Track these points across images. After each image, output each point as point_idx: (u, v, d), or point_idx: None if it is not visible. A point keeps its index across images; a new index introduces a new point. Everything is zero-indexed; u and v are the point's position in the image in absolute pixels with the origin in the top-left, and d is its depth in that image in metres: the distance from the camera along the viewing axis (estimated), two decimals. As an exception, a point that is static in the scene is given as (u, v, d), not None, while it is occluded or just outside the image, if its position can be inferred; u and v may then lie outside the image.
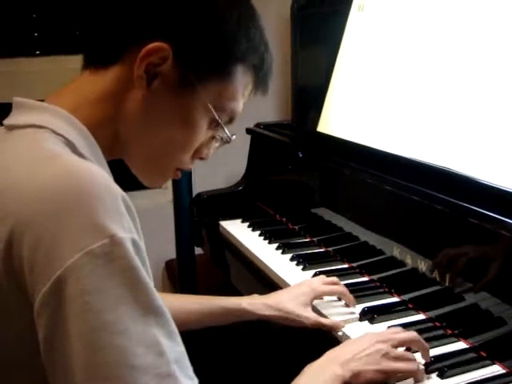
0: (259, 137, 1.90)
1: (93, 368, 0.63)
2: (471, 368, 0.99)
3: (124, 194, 0.69)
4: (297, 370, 0.92)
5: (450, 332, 1.09)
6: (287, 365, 1.48)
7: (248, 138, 1.93)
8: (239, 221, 1.77)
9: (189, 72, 0.80)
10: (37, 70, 2.28)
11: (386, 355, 0.93)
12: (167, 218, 1.98)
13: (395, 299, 1.24)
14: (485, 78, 1.15)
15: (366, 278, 1.34)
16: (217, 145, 0.90)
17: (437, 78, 1.26)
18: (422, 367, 0.97)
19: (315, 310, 1.20)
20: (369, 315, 1.16)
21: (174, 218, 1.93)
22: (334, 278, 1.26)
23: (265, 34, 0.89)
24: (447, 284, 1.12)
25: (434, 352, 1.02)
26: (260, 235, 1.64)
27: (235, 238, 1.66)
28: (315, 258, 1.46)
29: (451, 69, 1.23)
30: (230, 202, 1.85)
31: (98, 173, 0.69)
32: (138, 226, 0.72)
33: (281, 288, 1.32)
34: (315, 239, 1.57)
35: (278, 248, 1.53)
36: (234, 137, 0.90)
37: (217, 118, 0.84)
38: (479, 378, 0.97)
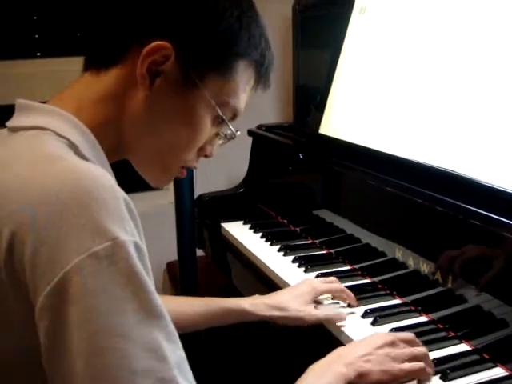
0: (261, 139, 1.89)
1: (94, 371, 0.63)
2: (474, 370, 0.99)
3: (127, 196, 0.69)
4: (298, 371, 0.92)
5: (452, 334, 1.09)
6: (288, 366, 1.48)
7: (250, 139, 1.93)
8: (241, 223, 1.77)
9: (191, 69, 0.80)
10: (38, 72, 2.28)
11: (393, 357, 0.93)
12: (169, 220, 1.98)
13: (397, 301, 1.24)
14: (487, 79, 1.14)
15: (368, 280, 1.34)
16: (220, 142, 0.91)
17: (439, 80, 1.26)
18: (430, 370, 0.96)
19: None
20: (371, 317, 1.15)
21: (175, 219, 1.93)
22: (333, 278, 1.26)
23: (266, 31, 0.89)
24: (449, 286, 1.12)
25: (436, 354, 1.02)
26: (262, 237, 1.64)
27: (237, 240, 1.66)
28: (317, 259, 1.46)
29: (453, 71, 1.23)
30: (232, 204, 1.85)
31: (101, 175, 0.69)
32: (141, 229, 0.71)
33: (282, 290, 1.32)
34: (317, 241, 1.57)
35: (279, 250, 1.53)
36: (238, 132, 0.90)
37: (220, 114, 0.84)
38: (482, 381, 0.96)
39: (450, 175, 1.15)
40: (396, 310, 1.19)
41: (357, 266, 1.40)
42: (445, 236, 1.14)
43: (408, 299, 1.22)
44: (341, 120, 1.54)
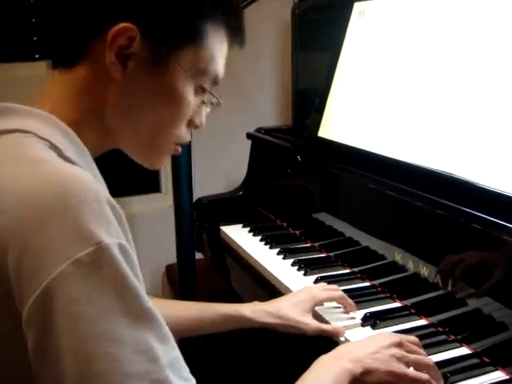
0: (260, 142, 1.89)
1: (87, 378, 0.62)
2: (474, 374, 0.99)
3: (111, 198, 0.68)
4: (297, 375, 0.91)
5: (452, 337, 1.09)
6: (287, 369, 1.48)
7: (248, 142, 1.93)
8: (240, 226, 1.77)
9: (160, 45, 0.78)
10: (36, 75, 2.28)
11: (398, 359, 0.92)
12: (168, 223, 1.98)
13: (397, 304, 1.24)
14: (487, 82, 1.14)
15: (367, 284, 1.34)
16: (208, 110, 0.89)
17: (438, 83, 1.26)
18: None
19: (317, 315, 1.19)
20: (371, 321, 1.15)
21: (174, 222, 1.93)
22: (333, 286, 1.26)
23: None
24: (449, 289, 1.12)
25: (436, 358, 1.02)
26: (261, 240, 1.63)
27: (236, 243, 1.65)
28: (316, 263, 1.46)
29: (452, 74, 1.23)
30: (231, 207, 1.85)
31: (84, 177, 0.68)
32: (127, 230, 0.71)
33: (282, 294, 1.32)
34: (316, 244, 1.57)
35: (279, 253, 1.53)
36: (222, 98, 0.88)
37: (200, 83, 0.83)
38: (482, 384, 0.96)
39: (449, 178, 1.14)
40: (396, 314, 1.19)
41: (356, 269, 1.40)
42: (444, 239, 1.14)
43: (408, 302, 1.22)
44: (340, 123, 1.54)
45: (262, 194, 1.87)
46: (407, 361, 0.93)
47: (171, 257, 2.03)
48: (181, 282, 2.00)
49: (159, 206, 2.41)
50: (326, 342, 1.15)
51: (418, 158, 1.24)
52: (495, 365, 1.00)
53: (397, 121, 1.34)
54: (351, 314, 1.20)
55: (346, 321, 1.17)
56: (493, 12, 1.18)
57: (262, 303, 1.20)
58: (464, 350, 1.06)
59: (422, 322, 1.16)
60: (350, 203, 1.52)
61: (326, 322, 1.18)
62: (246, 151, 1.94)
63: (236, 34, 0.86)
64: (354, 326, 1.16)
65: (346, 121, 1.52)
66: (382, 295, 1.28)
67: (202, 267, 1.97)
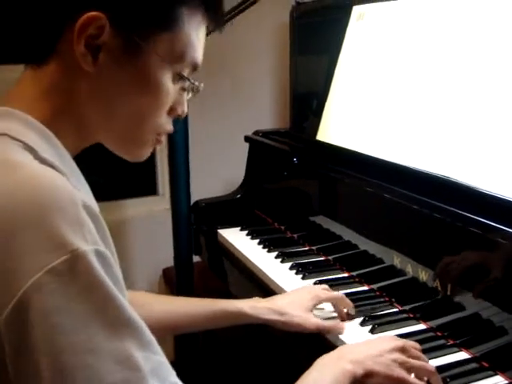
0: (257, 145, 1.89)
1: None
2: (473, 379, 0.98)
3: (87, 201, 0.66)
4: (295, 375, 0.91)
5: (451, 342, 1.09)
6: (285, 370, 1.47)
7: (246, 145, 1.92)
8: (238, 229, 1.76)
9: (132, 34, 0.75)
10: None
11: (400, 363, 0.92)
12: (165, 226, 1.97)
13: (395, 309, 1.23)
14: (483, 85, 1.14)
15: (365, 288, 1.34)
16: (188, 96, 0.86)
17: (437, 87, 1.25)
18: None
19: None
20: (369, 325, 1.15)
21: (171, 225, 1.93)
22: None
23: None
24: (448, 293, 1.11)
25: (435, 362, 1.01)
26: (259, 244, 1.63)
27: (234, 247, 1.65)
28: (315, 266, 1.46)
29: (450, 78, 1.23)
30: (229, 210, 1.85)
31: (60, 181, 0.66)
32: (107, 234, 0.69)
33: (280, 297, 1.31)
34: (314, 248, 1.57)
35: (277, 257, 1.52)
36: (202, 85, 0.85)
37: (178, 70, 0.80)
38: (482, 389, 0.96)
39: (447, 182, 1.14)
40: (394, 318, 1.19)
41: (354, 273, 1.39)
42: (443, 243, 1.14)
43: (406, 307, 1.22)
44: (338, 126, 1.54)
45: (260, 197, 1.86)
46: (409, 366, 0.93)
47: (168, 260, 2.02)
48: (178, 285, 2.00)
49: (156, 208, 2.40)
50: (324, 343, 1.15)
51: (416, 162, 1.23)
52: (494, 369, 1.00)
53: (395, 124, 1.34)
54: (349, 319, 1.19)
55: (345, 324, 1.17)
56: (492, 15, 1.18)
57: (262, 299, 1.20)
58: (463, 355, 1.05)
59: (421, 326, 1.16)
60: (348, 206, 1.51)
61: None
62: (244, 154, 1.94)
63: (214, 18, 0.83)
64: (353, 329, 1.15)
65: (344, 124, 1.52)
66: (380, 299, 1.27)
67: (200, 270, 1.97)
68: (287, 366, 1.44)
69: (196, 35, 0.80)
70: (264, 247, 1.60)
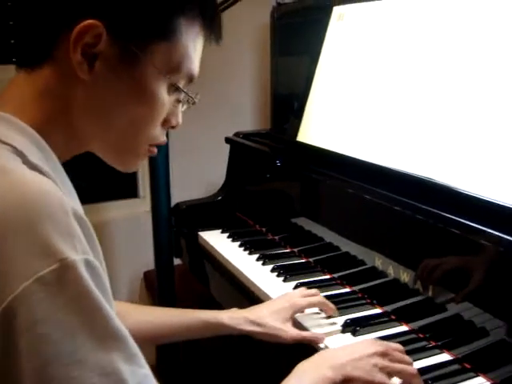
0: (238, 146, 1.88)
1: None
2: (455, 380, 0.98)
3: (77, 209, 0.65)
4: (276, 381, 0.90)
5: (433, 344, 1.08)
6: (267, 375, 1.46)
7: (227, 147, 1.91)
8: (219, 231, 1.75)
9: (129, 43, 0.74)
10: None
11: (380, 368, 0.91)
12: (146, 228, 1.95)
13: (377, 310, 1.23)
14: (465, 86, 1.14)
15: (347, 289, 1.33)
16: (183, 108, 0.85)
17: (416, 87, 1.25)
18: None
19: (296, 323, 1.18)
20: (351, 327, 1.14)
21: (152, 228, 1.91)
22: (314, 290, 1.24)
23: None
24: (430, 294, 1.11)
25: (418, 364, 1.01)
26: (240, 246, 1.62)
27: (214, 249, 1.64)
28: (296, 269, 1.45)
29: (431, 77, 1.22)
30: (210, 212, 1.83)
31: (49, 188, 0.65)
32: (96, 243, 0.68)
33: (262, 300, 1.30)
34: (296, 250, 1.56)
35: (258, 259, 1.51)
36: (198, 96, 0.84)
37: (174, 81, 0.79)
38: (464, 391, 0.96)
39: (429, 183, 1.14)
40: (376, 320, 1.18)
41: (336, 275, 1.39)
42: (424, 244, 1.14)
43: (388, 308, 1.21)
44: (319, 127, 1.53)
45: (241, 199, 1.85)
46: (390, 371, 0.92)
47: (149, 263, 2.00)
48: (159, 288, 1.98)
49: (137, 211, 2.38)
50: (306, 349, 1.13)
51: (397, 163, 1.23)
52: (476, 371, 1.00)
53: (376, 125, 1.33)
54: (331, 320, 1.19)
55: (327, 327, 1.16)
56: (477, 15, 1.18)
57: (241, 310, 1.19)
58: (445, 356, 1.05)
59: (403, 328, 1.15)
60: (329, 208, 1.51)
61: (306, 330, 1.16)
62: (225, 156, 1.92)
63: (212, 30, 0.82)
64: (335, 332, 1.15)
65: (325, 125, 1.52)
66: (362, 301, 1.27)
67: (181, 273, 1.95)
68: (269, 372, 1.43)
69: (193, 46, 0.80)
70: (245, 249, 1.59)
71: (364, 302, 1.26)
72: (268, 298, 1.30)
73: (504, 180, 1.01)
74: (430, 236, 1.12)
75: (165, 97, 0.79)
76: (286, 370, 0.92)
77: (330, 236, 1.44)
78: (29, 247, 0.60)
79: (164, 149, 1.81)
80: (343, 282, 1.36)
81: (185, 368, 2.06)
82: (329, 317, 1.20)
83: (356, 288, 1.32)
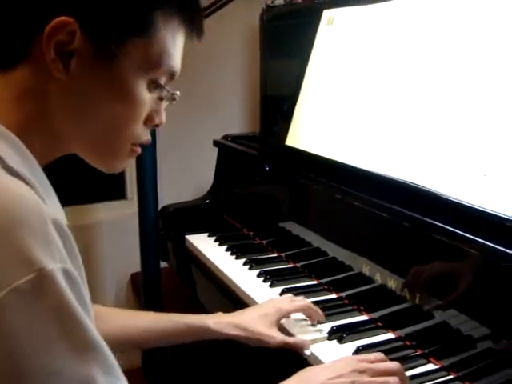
0: (226, 149, 1.87)
1: None
2: (442, 389, 0.97)
3: (56, 216, 0.64)
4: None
5: (420, 351, 1.08)
6: (255, 381, 1.45)
7: (215, 150, 1.90)
8: (206, 235, 1.73)
9: (104, 40, 0.72)
10: None
11: None
12: (133, 230, 1.94)
13: (364, 317, 1.22)
14: (454, 92, 1.14)
15: (334, 295, 1.32)
16: (165, 105, 0.83)
17: (406, 93, 1.24)
18: None
19: (282, 328, 1.17)
20: (337, 334, 1.13)
21: (138, 230, 1.90)
22: (300, 297, 1.23)
23: None
24: (417, 301, 1.10)
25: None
26: (227, 250, 1.61)
27: (201, 253, 1.62)
28: (283, 274, 1.44)
29: (420, 82, 1.22)
30: (197, 216, 1.82)
31: (28, 195, 0.63)
32: (75, 251, 0.66)
33: (248, 305, 1.29)
34: (283, 254, 1.55)
35: (245, 264, 1.50)
36: (178, 93, 0.82)
37: (153, 78, 0.77)
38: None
39: (417, 190, 1.13)
40: (363, 327, 1.17)
41: (323, 281, 1.38)
42: (412, 251, 1.13)
43: (375, 315, 1.20)
44: (308, 131, 1.53)
45: (229, 202, 1.84)
46: None
47: (136, 265, 1.99)
48: (145, 291, 1.97)
49: (125, 212, 2.36)
50: (291, 354, 1.12)
51: (386, 169, 1.22)
52: (463, 380, 0.99)
53: (365, 130, 1.33)
54: (318, 327, 1.18)
55: (313, 334, 1.15)
56: (470, 21, 1.17)
57: (226, 314, 1.18)
58: (431, 366, 1.04)
59: (389, 335, 1.15)
60: (317, 213, 1.50)
61: (292, 335, 1.15)
62: (213, 158, 1.91)
63: (192, 25, 0.80)
64: (321, 339, 1.14)
65: (313, 129, 1.51)
66: (349, 308, 1.26)
67: (168, 275, 1.94)
68: (256, 375, 1.42)
69: (172, 42, 0.77)
70: (232, 254, 1.58)
71: (351, 308, 1.25)
72: (254, 303, 1.30)
73: (493, 188, 1.00)
74: (417, 243, 1.11)
75: (145, 94, 0.77)
76: (272, 374, 0.91)
77: (317, 241, 1.43)
78: (4, 256, 0.58)
79: (152, 150, 1.80)
80: (330, 287, 1.35)
81: (172, 370, 2.05)
82: (316, 323, 1.19)
83: (343, 294, 1.31)
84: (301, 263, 1.48)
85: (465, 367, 1.00)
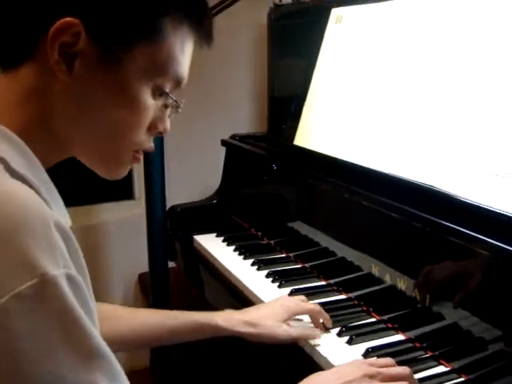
0: (234, 149, 1.86)
1: None
2: (453, 392, 0.96)
3: (59, 220, 0.63)
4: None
5: (430, 353, 1.06)
6: (262, 379, 1.44)
7: (223, 149, 1.89)
8: (214, 235, 1.73)
9: (109, 43, 0.71)
10: None
11: None
12: (141, 230, 1.93)
13: (373, 319, 1.21)
14: (466, 91, 1.12)
15: (343, 296, 1.31)
16: (169, 113, 0.81)
17: (416, 92, 1.23)
18: None
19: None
20: (347, 336, 1.12)
21: (146, 230, 1.89)
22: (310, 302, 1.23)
23: None
24: (427, 303, 1.09)
25: (414, 375, 0.98)
26: (235, 250, 1.60)
27: (209, 253, 1.62)
28: (291, 274, 1.43)
29: (431, 81, 1.21)
30: (205, 216, 1.81)
31: (31, 199, 0.62)
32: (79, 255, 0.66)
33: (256, 306, 1.28)
34: (291, 255, 1.54)
35: (253, 264, 1.49)
36: (183, 101, 0.80)
37: (158, 84, 0.75)
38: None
39: (427, 190, 1.12)
40: (372, 328, 1.16)
41: (332, 281, 1.37)
42: (422, 252, 1.12)
43: (385, 316, 1.19)
44: (316, 131, 1.52)
45: (237, 202, 1.83)
46: None
47: (144, 265, 1.99)
48: (153, 291, 1.96)
49: (132, 212, 2.36)
50: (301, 355, 1.12)
51: (396, 169, 1.21)
52: (474, 382, 0.98)
53: (374, 130, 1.32)
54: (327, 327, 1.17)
55: (322, 336, 1.14)
56: (477, 19, 1.16)
57: (235, 311, 1.18)
58: (442, 368, 1.03)
59: (399, 337, 1.13)
60: (326, 213, 1.49)
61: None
62: (221, 158, 1.91)
63: (201, 32, 0.78)
64: (330, 341, 1.13)
65: (322, 129, 1.50)
66: (358, 309, 1.25)
67: (176, 275, 1.93)
68: (263, 372, 1.42)
69: (180, 49, 0.76)
70: (240, 254, 1.57)
71: (360, 309, 1.24)
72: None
73: (504, 188, 0.99)
74: (427, 244, 1.10)
75: (148, 100, 0.76)
76: (279, 372, 0.90)
77: (326, 241, 1.42)
78: (7, 261, 0.57)
79: (159, 150, 1.79)
80: (339, 288, 1.34)
81: (179, 369, 2.05)
82: (324, 326, 1.18)
83: (352, 295, 1.30)
84: (309, 263, 1.47)
85: (476, 370, 0.99)
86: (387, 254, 1.22)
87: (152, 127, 0.79)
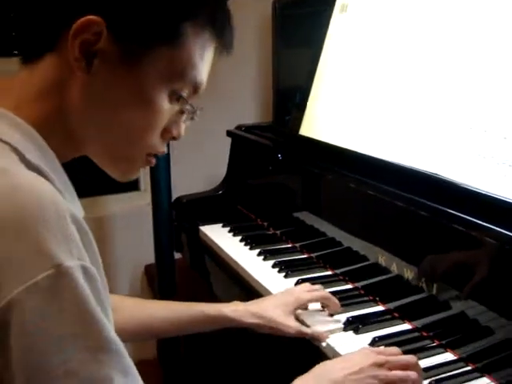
0: (240, 139, 1.86)
1: None
2: (459, 381, 0.96)
3: (74, 212, 0.63)
4: (279, 379, 0.89)
5: (437, 342, 1.06)
6: (269, 373, 1.45)
7: (229, 140, 1.89)
8: (220, 226, 1.73)
9: (130, 43, 0.71)
10: (14, 70, 2.22)
11: (381, 380, 0.89)
12: (147, 221, 1.94)
13: (380, 308, 1.21)
14: (471, 82, 1.12)
15: (350, 286, 1.31)
16: (184, 119, 0.81)
17: (422, 81, 1.23)
18: None
19: (298, 318, 1.16)
20: (353, 325, 1.12)
21: (152, 221, 1.89)
22: (317, 286, 1.22)
23: None
24: (434, 292, 1.09)
25: (421, 364, 0.98)
26: (241, 241, 1.60)
27: (215, 244, 1.62)
28: (298, 264, 1.43)
29: (436, 71, 1.20)
30: (211, 206, 1.81)
31: (46, 191, 0.62)
32: (93, 247, 0.66)
33: (262, 296, 1.29)
34: (297, 245, 1.54)
35: (259, 254, 1.49)
36: (200, 108, 0.81)
37: (175, 89, 0.75)
38: (468, 392, 0.94)
39: (433, 178, 1.12)
40: (379, 318, 1.16)
41: (338, 271, 1.37)
42: (429, 241, 1.12)
43: (391, 306, 1.19)
44: (321, 121, 1.51)
45: (243, 192, 1.83)
46: (390, 381, 0.90)
47: (150, 256, 1.99)
48: (159, 282, 1.97)
49: (138, 204, 2.36)
50: (307, 345, 1.12)
51: (402, 158, 1.21)
52: (481, 371, 0.98)
53: (379, 119, 1.31)
54: (334, 318, 1.17)
55: (328, 325, 1.14)
56: (482, 9, 1.15)
57: (243, 303, 1.18)
58: (449, 356, 1.03)
59: (406, 326, 1.13)
60: (332, 203, 1.49)
61: (307, 326, 1.14)
62: (227, 149, 1.90)
63: (222, 39, 0.79)
64: (337, 330, 1.13)
65: (327, 118, 1.49)
66: (364, 298, 1.25)
67: (182, 266, 1.94)
68: (269, 365, 1.42)
69: (200, 55, 0.76)
70: (246, 244, 1.57)
71: (366, 298, 1.24)
72: (269, 293, 1.29)
73: (511, 176, 0.98)
74: (434, 232, 1.10)
75: (165, 104, 0.75)
76: (287, 364, 0.90)
77: (332, 231, 1.42)
78: (22, 253, 0.58)
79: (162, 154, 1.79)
80: (345, 278, 1.34)
81: (186, 361, 2.05)
82: (331, 314, 1.18)
83: (358, 284, 1.30)
84: (315, 253, 1.47)
85: (483, 358, 0.99)
86: (394, 243, 1.21)
87: (166, 131, 0.79)
